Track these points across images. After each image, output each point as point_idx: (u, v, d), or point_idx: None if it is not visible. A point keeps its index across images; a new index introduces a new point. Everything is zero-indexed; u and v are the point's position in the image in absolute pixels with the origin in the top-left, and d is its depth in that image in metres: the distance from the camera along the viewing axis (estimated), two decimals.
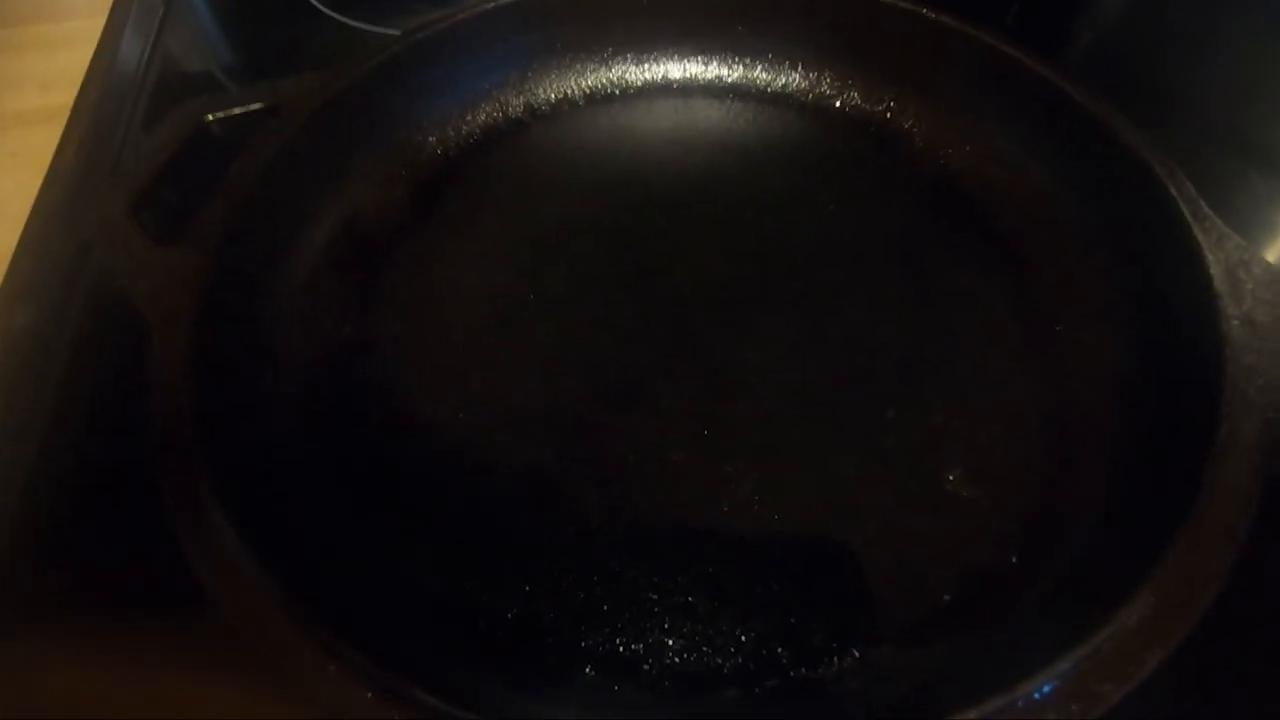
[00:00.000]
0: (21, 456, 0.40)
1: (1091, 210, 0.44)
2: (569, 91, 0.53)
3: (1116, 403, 0.39)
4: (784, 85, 0.53)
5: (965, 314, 0.44)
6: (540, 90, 0.53)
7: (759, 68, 0.53)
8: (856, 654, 0.34)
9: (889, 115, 0.51)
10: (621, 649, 0.35)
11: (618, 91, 0.54)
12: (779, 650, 0.34)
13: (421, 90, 0.49)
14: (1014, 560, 0.36)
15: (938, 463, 0.39)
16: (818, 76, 0.53)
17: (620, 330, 0.44)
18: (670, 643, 0.35)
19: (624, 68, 0.54)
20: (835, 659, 0.34)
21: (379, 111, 0.47)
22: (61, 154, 0.51)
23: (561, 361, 0.43)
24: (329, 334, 0.43)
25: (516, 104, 0.52)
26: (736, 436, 0.40)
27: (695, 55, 0.54)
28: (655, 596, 0.36)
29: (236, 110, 0.44)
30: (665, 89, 0.54)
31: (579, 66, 0.53)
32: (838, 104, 0.52)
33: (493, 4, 0.48)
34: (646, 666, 0.34)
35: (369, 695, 0.28)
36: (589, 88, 0.53)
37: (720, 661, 0.34)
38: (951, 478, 0.39)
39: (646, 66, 0.54)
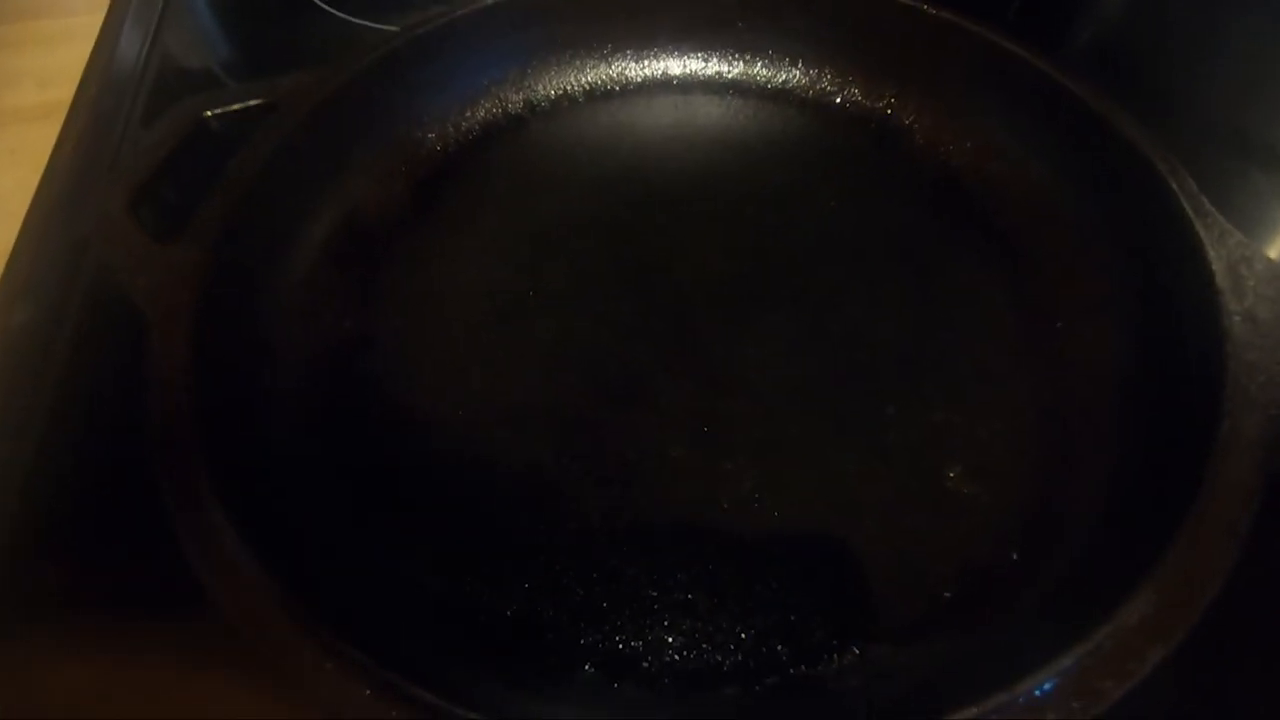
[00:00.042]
0: (20, 455, 0.40)
1: (1092, 206, 0.44)
2: (569, 88, 0.53)
3: (1118, 399, 0.39)
4: (784, 81, 0.53)
5: (966, 310, 0.44)
6: (540, 86, 0.53)
7: (759, 64, 0.53)
8: (856, 651, 0.34)
9: (889, 111, 0.51)
10: (621, 646, 0.35)
11: (617, 88, 0.53)
12: (779, 647, 0.34)
13: (421, 86, 0.49)
14: (1014, 557, 0.36)
15: (938, 459, 0.39)
16: (818, 73, 0.52)
17: (620, 326, 0.44)
18: (670, 640, 0.35)
19: (624, 64, 0.53)
20: (835, 656, 0.34)
21: (378, 107, 0.47)
22: (60, 150, 0.51)
23: (561, 358, 0.43)
24: (328, 330, 0.43)
25: (516, 100, 0.52)
26: (736, 433, 0.40)
27: (695, 51, 0.53)
28: (655, 594, 0.36)
29: (235, 106, 0.44)
30: (665, 85, 0.54)
31: (579, 63, 0.53)
32: (838, 100, 0.52)
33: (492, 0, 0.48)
34: (646, 664, 0.34)
35: (368, 693, 0.28)
36: (589, 84, 0.53)
37: (720, 659, 0.34)
38: (952, 474, 0.38)
39: (646, 63, 0.54)
